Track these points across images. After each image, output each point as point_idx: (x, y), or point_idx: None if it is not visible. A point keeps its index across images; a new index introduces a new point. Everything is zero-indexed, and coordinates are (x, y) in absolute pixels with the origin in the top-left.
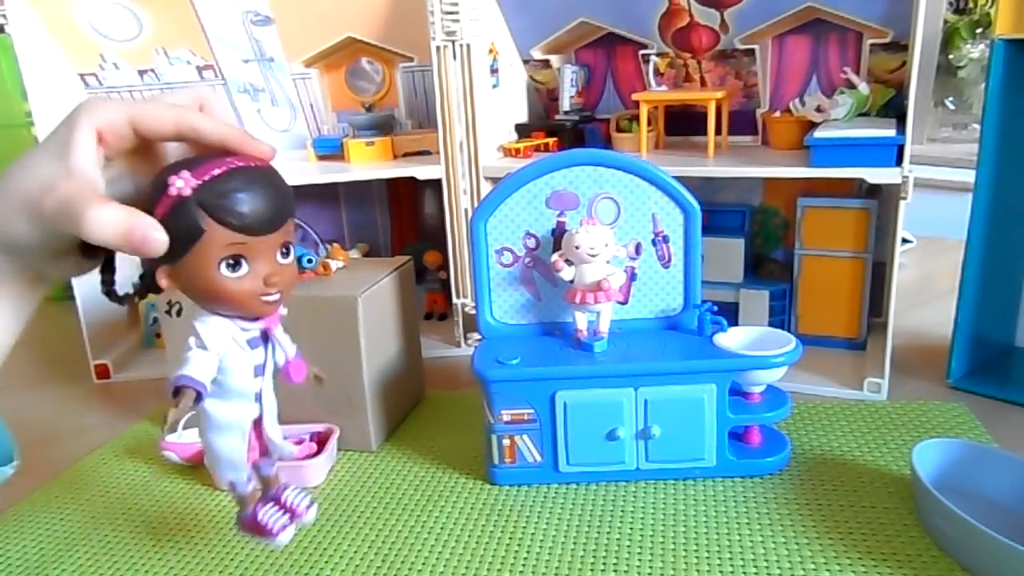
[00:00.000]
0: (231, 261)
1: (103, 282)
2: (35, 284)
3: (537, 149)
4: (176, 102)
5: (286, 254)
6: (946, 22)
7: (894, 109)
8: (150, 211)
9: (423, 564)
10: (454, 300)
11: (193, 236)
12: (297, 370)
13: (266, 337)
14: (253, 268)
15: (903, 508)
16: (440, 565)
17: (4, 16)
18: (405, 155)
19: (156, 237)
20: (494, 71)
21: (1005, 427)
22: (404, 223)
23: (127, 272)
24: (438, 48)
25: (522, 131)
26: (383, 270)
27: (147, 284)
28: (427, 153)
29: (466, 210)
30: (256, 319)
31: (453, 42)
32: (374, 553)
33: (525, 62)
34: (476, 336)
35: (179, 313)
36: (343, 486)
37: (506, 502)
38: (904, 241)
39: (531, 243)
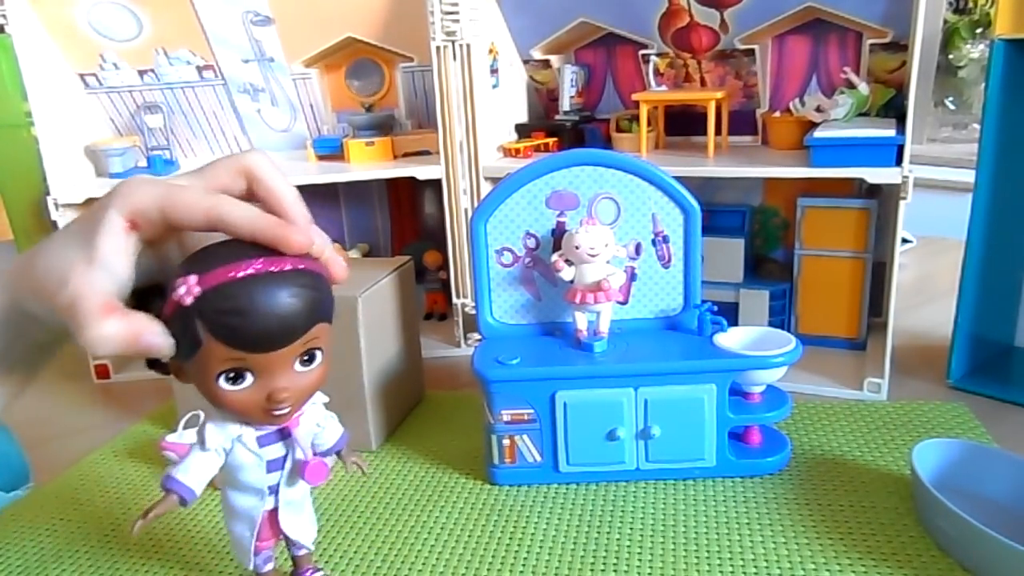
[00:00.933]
0: (231, 374)
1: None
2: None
3: (537, 149)
4: (217, 177)
5: (308, 361)
6: (946, 22)
7: (894, 109)
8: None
9: (423, 564)
10: (454, 300)
11: (193, 346)
12: (314, 473)
13: (288, 432)
14: (259, 381)
15: (903, 508)
16: (440, 565)
17: (4, 16)
18: (405, 155)
19: (160, 344)
20: (494, 71)
21: (1005, 427)
22: (404, 223)
23: None
24: (438, 48)
25: (522, 131)
26: (383, 270)
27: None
28: (427, 153)
29: (466, 210)
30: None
31: (453, 42)
32: (374, 553)
33: (525, 62)
34: (476, 336)
35: None
36: (343, 486)
37: (506, 502)
38: (904, 241)
39: (531, 243)
